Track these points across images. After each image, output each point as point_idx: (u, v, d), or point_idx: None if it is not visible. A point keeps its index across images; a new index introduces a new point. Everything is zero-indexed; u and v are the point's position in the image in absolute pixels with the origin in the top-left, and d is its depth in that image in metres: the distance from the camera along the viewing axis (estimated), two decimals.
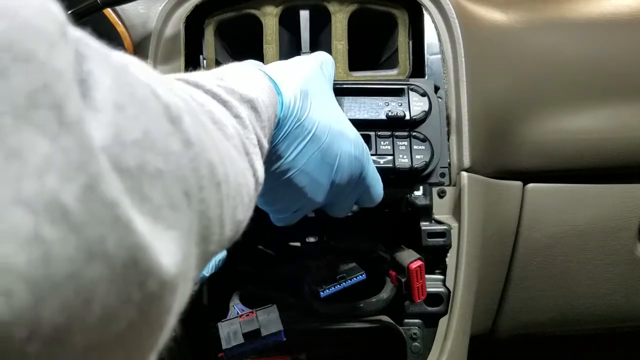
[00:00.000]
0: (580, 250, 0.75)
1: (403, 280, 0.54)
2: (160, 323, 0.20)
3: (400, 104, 0.50)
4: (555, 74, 0.70)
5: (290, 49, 0.70)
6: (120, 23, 0.70)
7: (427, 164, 0.50)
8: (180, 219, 0.21)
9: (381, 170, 0.47)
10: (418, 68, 0.66)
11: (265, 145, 0.34)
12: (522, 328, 0.80)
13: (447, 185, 0.64)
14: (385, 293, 0.58)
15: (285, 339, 0.50)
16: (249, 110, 0.33)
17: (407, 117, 0.49)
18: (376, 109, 0.50)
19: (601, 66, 0.71)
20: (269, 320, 0.50)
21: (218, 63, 0.68)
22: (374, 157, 0.48)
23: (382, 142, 0.50)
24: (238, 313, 0.52)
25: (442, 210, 0.63)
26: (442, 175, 0.52)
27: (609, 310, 0.79)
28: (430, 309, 0.60)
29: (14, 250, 0.14)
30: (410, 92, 0.51)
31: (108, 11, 0.70)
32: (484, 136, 0.65)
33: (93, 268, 0.16)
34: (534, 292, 0.77)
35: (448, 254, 0.61)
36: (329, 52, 0.66)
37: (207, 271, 0.49)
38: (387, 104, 0.50)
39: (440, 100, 0.51)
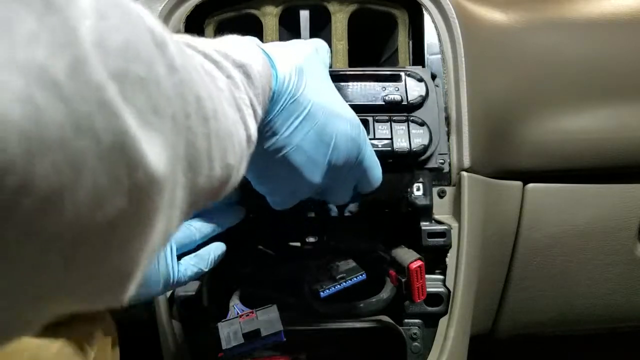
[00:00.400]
0: (580, 250, 0.75)
1: (403, 280, 0.54)
2: (150, 221, 0.20)
3: (397, 89, 0.51)
4: (555, 74, 0.70)
5: None
6: None
7: (426, 148, 0.50)
8: (164, 125, 0.20)
9: (380, 154, 0.47)
10: None
11: (259, 111, 0.34)
12: (522, 328, 0.80)
13: (447, 185, 0.64)
14: (385, 293, 0.58)
15: (285, 339, 0.50)
16: (241, 75, 0.33)
17: (405, 102, 0.50)
18: (373, 94, 0.50)
19: (601, 66, 0.71)
20: (268, 320, 0.50)
21: None
22: (372, 141, 0.48)
23: (380, 127, 0.50)
24: (238, 313, 0.52)
25: (442, 210, 0.63)
26: (442, 162, 0.52)
27: (609, 310, 0.79)
28: (430, 309, 0.60)
29: (7, 102, 0.14)
30: (407, 78, 0.51)
31: None
32: (484, 136, 0.65)
33: (81, 140, 0.16)
34: (534, 292, 0.77)
35: (448, 254, 0.61)
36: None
37: (206, 265, 0.49)
38: (384, 88, 0.51)
39: (437, 87, 0.52)
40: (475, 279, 0.64)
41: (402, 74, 0.51)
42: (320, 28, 0.69)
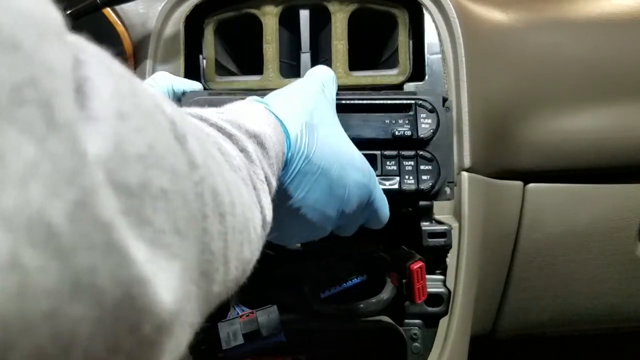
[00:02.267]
0: (580, 250, 0.75)
1: (404, 281, 0.54)
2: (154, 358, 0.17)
3: (407, 122, 0.48)
4: (555, 73, 0.70)
5: (290, 48, 0.69)
6: (119, 23, 0.70)
7: (434, 185, 0.48)
8: (183, 248, 0.18)
9: (387, 193, 0.46)
10: (418, 68, 0.66)
11: (273, 183, 0.33)
12: (522, 328, 0.80)
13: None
14: (386, 294, 0.58)
15: (285, 339, 0.50)
16: (255, 145, 0.32)
17: (415, 137, 0.48)
18: (382, 126, 0.48)
19: (601, 66, 0.71)
20: (269, 320, 0.50)
21: (218, 63, 0.68)
22: (379, 178, 0.47)
23: (387, 162, 0.48)
24: (238, 313, 0.51)
25: (442, 211, 0.63)
26: (450, 189, 0.50)
27: (609, 310, 0.79)
28: (430, 309, 0.60)
29: None
30: (418, 109, 0.48)
31: (108, 11, 0.70)
32: (484, 136, 0.65)
33: (77, 305, 0.13)
34: (535, 292, 0.77)
35: (448, 254, 0.61)
36: (329, 52, 0.66)
37: None
38: (393, 121, 0.48)
39: (448, 112, 0.49)
40: (475, 279, 0.64)
41: (413, 104, 0.49)
42: (320, 28, 0.68)
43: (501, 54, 0.70)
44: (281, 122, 0.38)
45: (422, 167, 0.48)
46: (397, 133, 0.47)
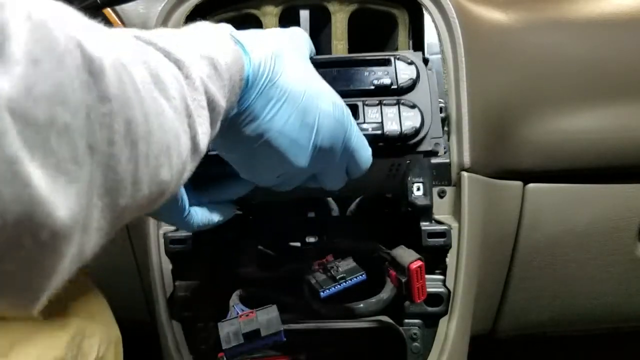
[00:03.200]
0: (580, 250, 0.75)
1: (403, 280, 0.54)
2: (53, 267, 0.21)
3: (386, 73, 0.49)
4: (555, 73, 0.70)
5: None
6: (120, 23, 0.70)
7: (417, 130, 0.48)
8: (81, 173, 0.21)
9: (370, 138, 0.46)
10: None
11: (222, 104, 0.34)
12: (522, 328, 0.80)
13: (447, 185, 0.64)
14: (386, 293, 0.58)
15: (285, 339, 0.50)
16: (207, 67, 0.33)
17: (395, 85, 0.48)
18: (362, 79, 0.49)
19: (601, 66, 0.71)
20: (269, 320, 0.50)
21: None
22: (362, 125, 0.47)
23: (370, 111, 0.48)
24: (238, 313, 0.51)
25: (442, 210, 0.63)
26: (436, 144, 0.50)
27: (609, 310, 0.79)
28: (430, 309, 0.60)
29: None
30: (397, 62, 0.49)
31: (108, 11, 0.70)
32: (484, 136, 0.65)
33: None
34: (534, 292, 0.77)
35: (448, 254, 0.61)
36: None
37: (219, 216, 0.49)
38: (373, 73, 0.49)
39: (430, 72, 0.50)
40: (475, 279, 0.64)
41: (392, 58, 0.49)
42: (320, 28, 0.68)
43: (501, 54, 0.70)
44: (242, 46, 0.39)
45: (404, 114, 0.48)
46: (376, 82, 0.48)
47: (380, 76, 0.48)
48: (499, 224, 0.70)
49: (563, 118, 0.70)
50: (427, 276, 0.56)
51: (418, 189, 0.60)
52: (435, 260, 0.61)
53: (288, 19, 0.67)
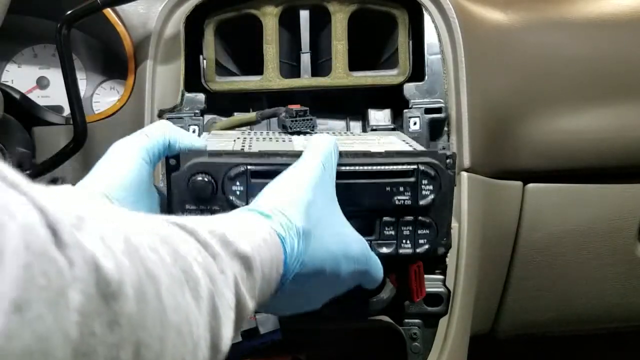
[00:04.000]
0: (580, 250, 0.75)
1: (403, 279, 0.54)
2: None
3: (407, 189, 0.47)
4: (555, 74, 0.70)
5: (291, 49, 0.70)
6: (120, 23, 0.70)
7: (430, 250, 0.48)
8: None
9: (381, 257, 0.46)
10: (418, 68, 0.66)
11: (250, 307, 0.32)
12: (522, 328, 0.80)
13: None
14: (385, 293, 0.58)
15: (282, 337, 0.50)
16: (239, 267, 0.31)
17: (415, 205, 0.47)
18: (383, 194, 0.47)
19: (601, 66, 0.71)
20: (266, 318, 0.50)
21: (218, 63, 0.68)
22: (376, 244, 0.47)
23: (386, 228, 0.48)
24: None
25: None
26: (444, 253, 0.50)
27: (609, 310, 0.79)
28: (430, 309, 0.60)
29: None
30: (421, 176, 0.47)
31: (108, 11, 0.70)
32: (484, 136, 0.65)
33: None
34: (534, 292, 0.77)
35: (448, 254, 0.61)
36: (329, 52, 0.66)
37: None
38: (394, 189, 0.47)
39: (451, 174, 0.48)
40: (475, 279, 0.64)
41: (416, 169, 0.47)
42: (320, 28, 0.68)
43: (501, 54, 0.70)
44: (283, 242, 0.37)
45: (419, 232, 0.48)
46: (397, 203, 0.47)
47: (401, 195, 0.47)
48: (499, 224, 0.70)
49: (563, 118, 0.70)
50: (427, 276, 0.56)
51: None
52: (435, 260, 0.61)
53: (288, 19, 0.67)
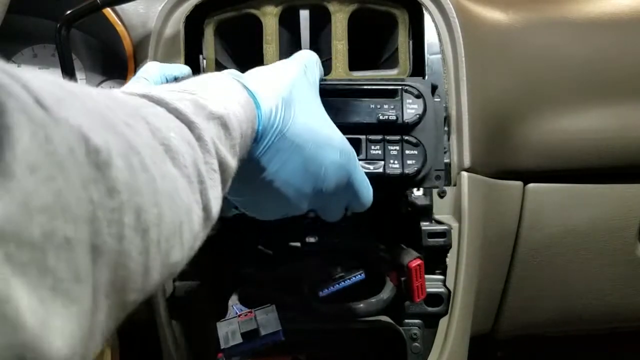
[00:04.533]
0: (580, 250, 0.75)
1: (403, 279, 0.54)
2: None
3: (392, 107, 0.47)
4: (555, 73, 0.70)
5: (290, 49, 0.69)
6: (119, 23, 0.70)
7: (419, 170, 0.47)
8: (83, 292, 0.19)
9: (371, 177, 0.45)
10: (418, 68, 0.66)
11: (233, 165, 0.33)
12: (522, 328, 0.80)
13: (447, 185, 0.64)
14: (385, 293, 0.58)
15: (283, 338, 0.50)
16: (217, 127, 0.32)
17: (400, 121, 0.47)
18: (367, 111, 0.47)
19: (601, 66, 0.71)
20: (267, 320, 0.50)
21: (218, 63, 0.68)
22: (363, 163, 0.46)
23: (372, 147, 0.47)
24: (237, 313, 0.52)
25: (442, 210, 0.63)
26: (437, 177, 0.49)
27: (609, 310, 0.79)
28: (430, 309, 0.60)
29: None
30: (404, 94, 0.47)
31: (108, 11, 0.70)
32: (484, 136, 0.65)
33: None
34: (534, 292, 0.77)
35: (448, 254, 0.61)
36: (329, 52, 0.66)
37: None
38: (379, 106, 0.47)
39: (437, 100, 0.48)
40: (475, 279, 0.64)
41: (399, 89, 0.48)
42: (320, 28, 0.68)
43: (501, 54, 0.70)
44: (254, 96, 0.38)
45: (407, 152, 0.47)
46: (381, 117, 0.46)
47: (385, 111, 0.47)
48: (499, 224, 0.70)
49: (563, 118, 0.70)
50: (427, 276, 0.56)
51: (418, 189, 0.60)
52: (435, 260, 0.61)
53: (288, 19, 0.67)
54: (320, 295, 0.53)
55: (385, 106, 0.47)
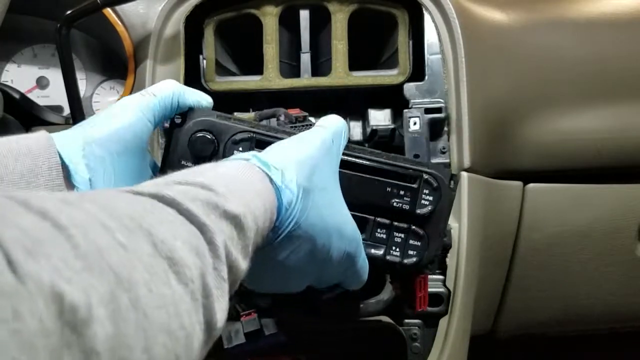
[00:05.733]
0: (580, 250, 0.75)
1: (405, 287, 0.54)
2: None
3: (408, 195, 0.46)
4: (555, 74, 0.70)
5: (290, 48, 0.69)
6: (120, 23, 0.70)
7: (418, 262, 0.47)
8: None
9: (370, 257, 0.46)
10: (418, 68, 0.66)
11: (243, 267, 0.31)
12: (522, 328, 0.80)
13: None
14: (386, 294, 0.58)
15: (285, 338, 0.50)
16: (230, 228, 0.30)
17: (412, 212, 0.46)
18: (382, 193, 0.45)
19: (601, 66, 0.71)
20: (269, 320, 0.50)
21: (218, 63, 0.68)
22: (365, 243, 0.47)
23: (378, 229, 0.46)
24: (239, 313, 0.52)
25: None
26: (432, 262, 0.50)
27: (608, 310, 0.79)
28: (430, 309, 0.60)
29: None
30: (423, 185, 0.46)
31: (108, 11, 0.70)
32: (484, 136, 0.65)
33: None
34: (534, 292, 0.77)
35: (448, 254, 0.61)
36: (329, 52, 0.66)
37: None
38: (395, 191, 0.46)
39: (453, 193, 0.47)
40: (475, 279, 0.64)
41: (420, 177, 0.45)
42: (320, 28, 0.68)
43: (501, 54, 0.70)
44: (277, 188, 0.36)
45: (411, 242, 0.47)
46: (395, 205, 0.46)
47: (400, 198, 0.46)
48: (499, 224, 0.70)
49: (563, 118, 0.70)
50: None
51: None
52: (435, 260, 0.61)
53: (288, 19, 0.67)
54: (323, 297, 0.53)
55: (402, 192, 0.46)
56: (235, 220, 0.30)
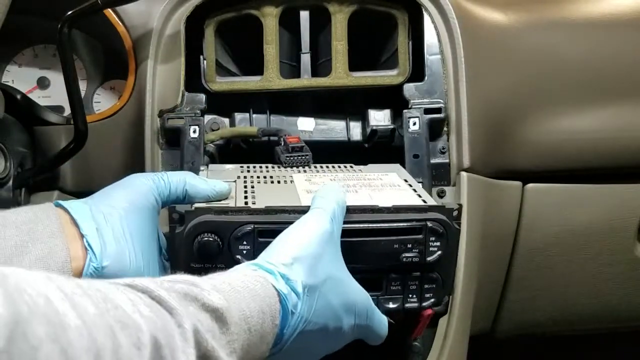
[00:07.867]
0: (579, 250, 0.75)
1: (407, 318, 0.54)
2: None
3: (416, 247, 0.46)
4: (555, 74, 0.71)
5: (291, 49, 0.70)
6: (120, 23, 0.71)
7: (435, 303, 0.48)
8: None
9: (387, 313, 0.46)
10: (418, 68, 0.66)
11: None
12: (521, 328, 0.80)
13: (446, 185, 0.64)
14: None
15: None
16: (210, 320, 0.30)
17: (422, 262, 0.47)
18: (389, 252, 0.45)
19: (601, 66, 0.71)
20: None
21: (218, 63, 0.68)
22: (383, 297, 0.47)
23: (393, 284, 0.47)
24: None
25: None
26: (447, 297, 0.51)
27: (608, 310, 0.79)
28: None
29: None
30: (429, 234, 0.47)
31: (108, 11, 0.70)
32: (483, 136, 0.66)
33: None
34: (534, 292, 0.77)
35: None
36: (329, 52, 0.66)
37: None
38: (402, 246, 0.46)
39: (457, 227, 0.48)
40: (475, 279, 0.64)
41: (424, 226, 0.46)
42: (320, 28, 0.69)
43: (500, 54, 0.70)
44: (284, 296, 0.37)
45: (426, 287, 0.48)
46: (405, 260, 0.46)
47: (408, 251, 0.46)
48: (499, 224, 0.70)
49: (562, 118, 0.71)
50: None
51: None
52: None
53: (288, 19, 0.67)
54: None
55: (409, 245, 0.46)
56: (215, 313, 0.31)
